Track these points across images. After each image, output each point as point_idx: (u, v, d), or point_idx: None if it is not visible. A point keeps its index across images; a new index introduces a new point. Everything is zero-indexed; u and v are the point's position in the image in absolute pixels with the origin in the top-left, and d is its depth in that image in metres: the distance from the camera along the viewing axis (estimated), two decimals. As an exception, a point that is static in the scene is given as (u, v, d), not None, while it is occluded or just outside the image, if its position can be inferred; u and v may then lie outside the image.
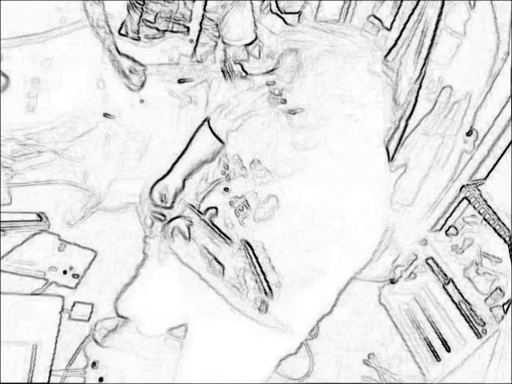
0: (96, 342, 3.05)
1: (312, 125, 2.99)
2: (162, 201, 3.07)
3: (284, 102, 3.01)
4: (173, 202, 3.07)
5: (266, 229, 2.99)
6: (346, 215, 3.06)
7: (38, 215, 3.02)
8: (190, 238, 3.02)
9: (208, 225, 3.02)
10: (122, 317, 3.06)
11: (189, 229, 3.01)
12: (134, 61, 3.00)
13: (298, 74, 2.99)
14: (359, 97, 3.01)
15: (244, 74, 3.06)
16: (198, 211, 3.04)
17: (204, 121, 3.09)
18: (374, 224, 3.10)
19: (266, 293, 3.00)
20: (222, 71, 3.06)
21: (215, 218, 3.05)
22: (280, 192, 2.99)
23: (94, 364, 3.04)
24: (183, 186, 3.08)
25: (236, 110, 3.07)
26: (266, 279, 3.01)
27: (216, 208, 3.05)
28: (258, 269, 3.01)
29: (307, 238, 3.03)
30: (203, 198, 3.08)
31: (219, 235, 3.02)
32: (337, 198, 3.04)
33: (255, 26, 3.06)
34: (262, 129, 3.03)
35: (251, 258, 3.00)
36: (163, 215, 3.07)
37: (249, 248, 3.01)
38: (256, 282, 3.01)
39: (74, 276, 3.06)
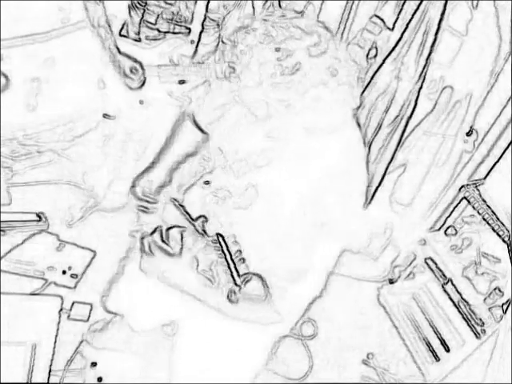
0: (88, 343, 3.04)
1: (275, 115, 2.99)
2: (144, 195, 3.06)
3: (239, 97, 3.03)
4: (157, 196, 3.07)
5: (247, 218, 3.01)
6: (324, 200, 3.08)
7: (38, 215, 3.01)
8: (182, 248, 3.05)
9: (188, 220, 3.03)
10: (112, 313, 3.06)
11: (182, 236, 3.03)
12: (135, 61, 2.99)
13: (242, 68, 3.00)
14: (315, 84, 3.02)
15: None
16: (180, 205, 3.05)
17: (183, 113, 3.08)
18: (353, 204, 3.12)
19: (235, 283, 3.02)
20: (215, 73, 3.05)
21: (205, 224, 3.07)
22: (258, 181, 3.01)
23: (93, 364, 3.03)
24: (171, 179, 3.08)
25: (216, 100, 3.06)
26: (236, 269, 3.02)
27: (205, 216, 3.06)
28: (230, 259, 3.02)
29: (288, 225, 3.05)
30: (185, 191, 3.07)
31: (196, 230, 3.03)
32: (313, 182, 3.06)
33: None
34: (238, 119, 3.03)
35: (222, 249, 3.02)
36: (147, 208, 3.06)
37: (221, 240, 3.03)
38: (227, 272, 3.03)
39: (73, 276, 3.05)
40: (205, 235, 3.03)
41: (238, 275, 3.03)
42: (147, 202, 3.04)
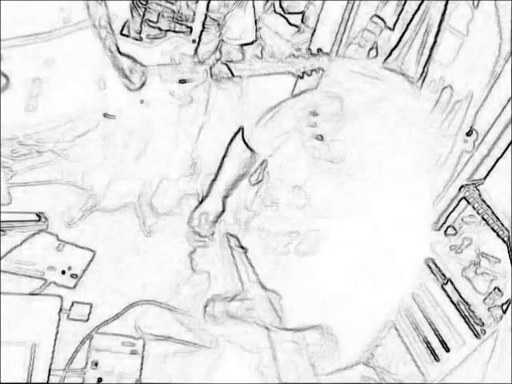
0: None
1: (350, 171, 3.03)
2: (201, 228, 3.09)
3: (321, 138, 3.05)
4: (213, 227, 3.10)
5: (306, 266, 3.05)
6: (389, 247, 3.11)
7: (37, 215, 3.00)
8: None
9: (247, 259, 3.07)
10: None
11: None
12: (135, 61, 2.98)
13: (340, 124, 3.03)
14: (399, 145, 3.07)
15: (230, 75, 3.05)
16: (239, 245, 3.08)
17: (235, 134, 3.09)
18: (415, 250, 3.15)
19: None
20: (210, 72, 3.05)
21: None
22: (322, 228, 3.05)
23: (95, 364, 3.03)
24: (223, 206, 3.10)
25: (274, 127, 3.08)
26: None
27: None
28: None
29: (350, 274, 3.09)
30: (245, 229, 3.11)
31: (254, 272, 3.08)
32: (379, 232, 3.09)
33: (257, 26, 3.04)
34: (303, 158, 3.07)
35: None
36: (203, 241, 3.09)
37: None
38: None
39: (73, 276, 3.04)
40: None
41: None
42: (204, 236, 3.08)
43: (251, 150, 3.07)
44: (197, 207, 3.08)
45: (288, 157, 3.06)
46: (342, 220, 3.06)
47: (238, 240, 3.07)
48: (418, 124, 3.06)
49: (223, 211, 3.10)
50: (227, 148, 3.09)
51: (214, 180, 3.09)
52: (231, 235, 3.08)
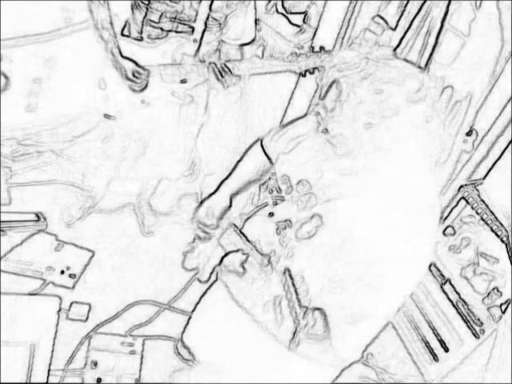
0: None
1: (354, 152, 3.00)
2: (207, 219, 3.08)
3: (326, 131, 3.02)
4: (219, 221, 3.09)
5: (309, 250, 3.01)
6: (393, 239, 3.07)
7: (36, 215, 2.99)
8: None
9: (251, 247, 3.04)
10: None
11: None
12: (137, 64, 2.97)
13: (338, 104, 3.00)
14: (397, 126, 3.03)
15: (230, 74, 3.04)
16: (241, 232, 3.06)
17: (256, 141, 3.09)
18: (421, 247, 3.12)
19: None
20: (213, 71, 3.04)
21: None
22: (324, 213, 3.01)
23: (95, 364, 3.03)
24: (230, 204, 3.09)
25: (290, 132, 3.06)
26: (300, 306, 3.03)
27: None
28: (295, 297, 3.02)
29: (352, 262, 3.06)
30: (247, 219, 3.08)
31: (261, 258, 3.03)
32: (382, 222, 3.05)
33: (257, 26, 3.04)
34: (310, 153, 3.03)
35: (289, 285, 3.02)
36: (207, 233, 3.08)
37: (289, 276, 3.02)
38: (291, 309, 3.03)
39: (72, 276, 3.04)
40: (268, 265, 3.05)
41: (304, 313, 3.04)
42: (209, 227, 3.07)
43: (268, 158, 3.07)
44: (202, 202, 3.08)
45: (299, 156, 3.06)
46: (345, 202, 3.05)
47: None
48: (424, 109, 3.05)
49: (230, 207, 3.10)
50: (244, 154, 3.08)
51: (225, 179, 3.09)
52: (234, 225, 3.08)
